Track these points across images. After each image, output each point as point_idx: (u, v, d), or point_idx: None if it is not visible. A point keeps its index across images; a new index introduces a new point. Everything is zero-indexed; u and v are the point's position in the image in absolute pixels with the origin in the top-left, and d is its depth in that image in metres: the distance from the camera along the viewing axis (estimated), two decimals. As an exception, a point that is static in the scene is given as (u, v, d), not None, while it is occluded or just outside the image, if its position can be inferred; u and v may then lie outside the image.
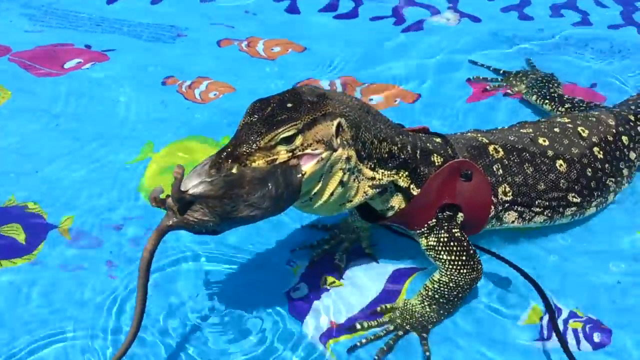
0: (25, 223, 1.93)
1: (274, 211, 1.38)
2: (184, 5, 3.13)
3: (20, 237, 1.88)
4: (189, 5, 3.12)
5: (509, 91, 2.52)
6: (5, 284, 1.75)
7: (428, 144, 1.65)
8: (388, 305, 1.69)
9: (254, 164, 1.35)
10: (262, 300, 1.70)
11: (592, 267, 1.81)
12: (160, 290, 1.72)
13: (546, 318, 1.66)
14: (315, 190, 1.45)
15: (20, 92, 2.52)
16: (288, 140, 1.37)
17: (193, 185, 1.30)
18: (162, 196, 1.31)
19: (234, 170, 1.33)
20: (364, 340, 1.61)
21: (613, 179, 1.91)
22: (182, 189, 1.29)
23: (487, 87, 2.55)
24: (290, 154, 1.38)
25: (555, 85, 2.40)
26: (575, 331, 1.64)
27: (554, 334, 1.59)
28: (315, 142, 1.40)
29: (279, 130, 1.36)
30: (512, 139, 1.81)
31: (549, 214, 1.80)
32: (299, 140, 1.38)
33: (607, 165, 1.89)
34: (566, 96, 2.32)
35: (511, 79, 2.56)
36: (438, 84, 2.58)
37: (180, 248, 1.84)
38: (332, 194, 1.47)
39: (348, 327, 1.65)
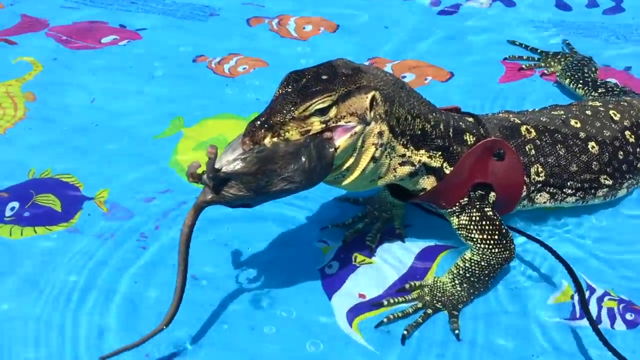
0: (62, 194, 1.96)
1: (307, 185, 1.38)
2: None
3: (57, 206, 1.92)
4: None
5: (545, 71, 2.50)
6: (40, 250, 1.78)
7: (461, 123, 1.64)
8: (417, 283, 1.69)
9: (287, 134, 1.35)
10: (293, 277, 1.71)
11: (626, 247, 1.80)
12: (191, 265, 1.73)
13: (577, 297, 1.66)
14: (347, 165, 1.44)
15: (56, 65, 2.55)
16: (322, 111, 1.37)
17: (227, 162, 1.31)
18: (199, 171, 1.32)
19: (267, 140, 1.33)
20: (391, 316, 1.61)
21: None
22: (217, 165, 1.30)
23: (523, 66, 2.53)
24: (324, 125, 1.38)
25: (592, 69, 2.37)
26: (610, 310, 1.64)
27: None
28: (349, 114, 1.40)
29: (314, 101, 1.36)
30: (544, 120, 1.80)
31: (581, 195, 1.79)
32: (333, 112, 1.38)
33: (638, 149, 1.87)
34: (600, 80, 2.29)
35: (549, 59, 2.55)
36: (471, 65, 2.57)
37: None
38: (364, 170, 1.46)
39: (375, 303, 1.65)
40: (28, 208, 1.90)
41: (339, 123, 1.39)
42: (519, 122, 1.76)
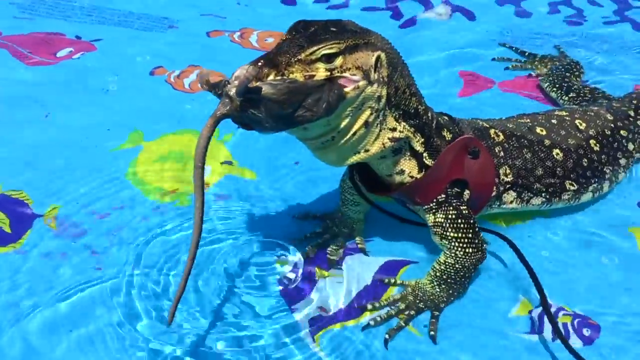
0: (11, 211, 1.90)
1: (321, 115, 1.36)
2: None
3: (6, 226, 1.86)
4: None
5: (532, 73, 2.56)
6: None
7: (440, 119, 1.67)
8: (404, 281, 1.71)
9: (291, 75, 1.33)
10: (252, 295, 1.70)
11: (584, 261, 1.81)
12: (143, 286, 1.71)
13: (537, 311, 1.67)
14: (341, 125, 1.42)
15: (10, 80, 2.50)
16: (329, 58, 1.36)
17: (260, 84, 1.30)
18: (212, 80, 1.31)
19: (270, 78, 1.31)
20: (378, 319, 1.62)
21: (610, 168, 1.94)
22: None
23: (510, 66, 2.59)
24: (329, 73, 1.37)
25: (575, 74, 2.43)
26: (564, 325, 1.64)
27: (545, 327, 1.61)
28: (355, 67, 1.39)
29: (321, 45, 1.35)
30: (510, 126, 1.84)
31: (547, 197, 1.82)
32: (339, 61, 1.37)
33: (603, 156, 1.91)
34: (575, 86, 2.33)
35: (536, 62, 2.60)
36: (430, 79, 2.58)
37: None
38: (354, 134, 1.45)
39: (360, 306, 1.65)
40: (-20, 228, 1.85)
41: (343, 74, 1.38)
42: (488, 126, 1.79)
